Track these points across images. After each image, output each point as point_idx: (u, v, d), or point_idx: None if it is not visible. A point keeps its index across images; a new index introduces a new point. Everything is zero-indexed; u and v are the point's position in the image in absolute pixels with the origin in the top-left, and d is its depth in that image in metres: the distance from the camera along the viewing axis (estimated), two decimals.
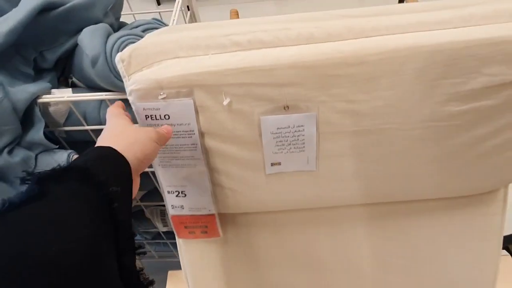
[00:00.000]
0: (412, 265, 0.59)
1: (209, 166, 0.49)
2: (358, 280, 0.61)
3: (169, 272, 0.68)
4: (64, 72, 0.66)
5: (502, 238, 0.57)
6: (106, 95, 0.55)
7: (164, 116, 0.44)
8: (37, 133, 0.55)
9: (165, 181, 0.51)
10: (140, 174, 0.72)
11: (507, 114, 0.44)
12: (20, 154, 0.54)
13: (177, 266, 0.63)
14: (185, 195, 0.52)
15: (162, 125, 0.44)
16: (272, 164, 0.49)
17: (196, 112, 0.44)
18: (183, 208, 0.54)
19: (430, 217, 0.55)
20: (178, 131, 0.45)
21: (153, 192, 0.79)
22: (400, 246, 0.57)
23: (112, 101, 0.57)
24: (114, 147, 0.34)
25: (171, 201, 0.53)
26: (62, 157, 0.56)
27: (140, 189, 0.77)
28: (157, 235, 0.94)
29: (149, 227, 0.88)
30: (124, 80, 0.44)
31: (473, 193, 0.53)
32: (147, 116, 0.44)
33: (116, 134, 0.39)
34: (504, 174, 0.50)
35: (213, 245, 0.59)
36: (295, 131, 0.45)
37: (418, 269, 0.59)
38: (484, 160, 0.48)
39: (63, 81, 0.66)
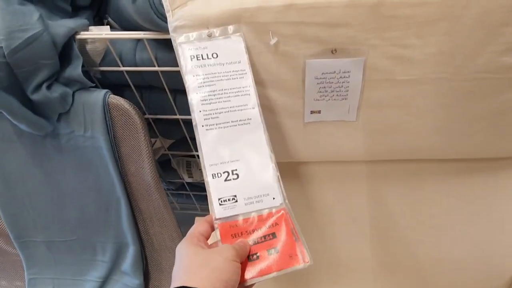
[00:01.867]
0: (447, 226, 0.59)
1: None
2: (391, 237, 0.61)
3: (196, 218, 0.69)
4: (99, 12, 0.65)
5: None
6: (144, 34, 0.54)
7: (212, 54, 0.43)
8: (75, 70, 0.54)
9: (209, 156, 0.41)
10: (170, 122, 0.71)
11: None
12: (58, 90, 0.54)
13: None
14: (238, 176, 0.40)
15: (210, 64, 0.42)
16: (312, 112, 0.48)
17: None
18: (237, 202, 0.42)
19: (472, 178, 0.54)
20: (228, 71, 0.42)
21: (181, 142, 0.79)
22: (437, 206, 0.57)
23: (150, 41, 0.56)
24: (187, 285, 0.31)
25: (217, 192, 0.40)
26: (99, 96, 0.56)
27: (168, 138, 0.78)
28: (181, 186, 0.95)
29: (174, 177, 0.89)
30: (167, 15, 0.43)
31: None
32: (192, 57, 0.43)
33: (187, 267, 0.33)
34: None
35: None
36: (340, 77, 0.44)
37: (449, 228, 0.59)
38: None
39: (98, 22, 0.65)
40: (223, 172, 0.39)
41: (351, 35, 0.41)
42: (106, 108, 0.56)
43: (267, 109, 0.48)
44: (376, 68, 0.43)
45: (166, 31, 0.52)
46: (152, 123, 0.71)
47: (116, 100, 0.56)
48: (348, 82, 0.44)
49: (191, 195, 0.97)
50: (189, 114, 0.48)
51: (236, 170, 0.39)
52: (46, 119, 0.56)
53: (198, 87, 0.42)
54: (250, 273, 0.35)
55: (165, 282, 0.70)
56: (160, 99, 0.67)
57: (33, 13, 0.51)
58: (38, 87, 0.53)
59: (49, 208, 0.68)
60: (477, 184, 0.55)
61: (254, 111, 0.41)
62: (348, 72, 0.43)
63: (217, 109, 0.41)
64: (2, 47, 0.49)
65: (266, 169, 0.39)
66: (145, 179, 0.60)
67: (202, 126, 0.41)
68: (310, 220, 0.61)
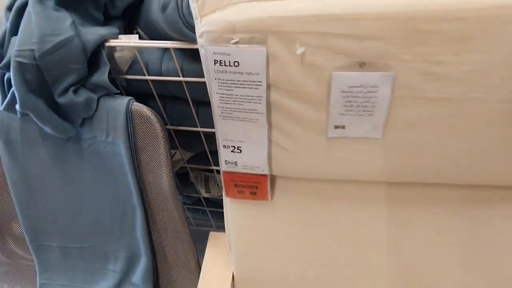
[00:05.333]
0: (472, 261, 0.55)
1: (270, 123, 0.48)
2: (408, 267, 0.57)
3: (211, 233, 0.68)
4: (130, 23, 0.66)
5: None
6: (171, 43, 0.54)
7: (234, 63, 0.43)
8: (102, 76, 0.55)
9: (222, 135, 0.50)
10: (191, 134, 0.71)
11: None
12: (84, 94, 0.55)
13: None
14: (241, 151, 0.51)
15: (230, 72, 0.43)
16: (336, 127, 0.46)
17: (267, 61, 0.42)
18: (236, 165, 0.52)
19: (504, 207, 0.50)
20: (245, 81, 0.44)
21: (201, 156, 0.78)
22: (465, 236, 0.53)
23: (176, 51, 0.56)
24: None
25: (225, 156, 0.52)
26: (122, 103, 0.56)
27: (188, 150, 0.78)
28: (198, 201, 0.94)
29: (191, 191, 0.88)
30: (196, 22, 0.43)
31: None
32: (215, 61, 0.43)
33: None
34: None
35: (261, 208, 0.57)
36: (368, 91, 0.42)
37: (479, 267, 0.54)
38: None
39: (128, 32, 0.66)
40: (231, 146, 0.51)
41: (381, 49, 0.39)
42: (129, 115, 0.56)
43: (292, 120, 0.47)
44: (406, 84, 0.41)
45: (193, 41, 0.53)
46: (173, 134, 0.71)
47: (139, 107, 0.56)
48: (376, 97, 0.43)
49: (207, 211, 0.96)
50: (210, 127, 0.55)
51: (240, 147, 0.51)
52: (70, 123, 0.57)
53: (218, 88, 0.45)
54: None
55: None
56: (182, 111, 0.67)
57: (66, 19, 0.52)
58: (65, 91, 0.54)
59: (66, 213, 0.68)
60: (505, 215, 0.51)
61: (262, 115, 0.47)
62: (375, 87, 0.42)
63: (231, 108, 0.47)
64: (34, 49, 0.51)
65: (261, 153, 0.50)
66: (162, 189, 0.59)
67: (219, 116, 0.49)
68: (324, 241, 0.58)
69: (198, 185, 0.86)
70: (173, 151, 0.75)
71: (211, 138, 0.71)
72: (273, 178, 0.55)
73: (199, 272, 0.63)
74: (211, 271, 0.63)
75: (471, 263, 0.54)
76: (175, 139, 0.72)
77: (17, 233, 0.78)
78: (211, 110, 0.49)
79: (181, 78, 0.58)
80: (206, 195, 0.88)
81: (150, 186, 0.60)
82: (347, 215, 0.56)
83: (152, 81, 0.61)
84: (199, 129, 0.67)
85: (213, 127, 0.51)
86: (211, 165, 0.78)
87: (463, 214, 0.53)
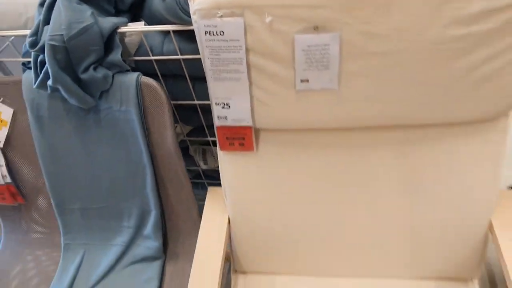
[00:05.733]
0: (415, 188, 0.68)
1: (251, 81, 0.61)
2: (372, 198, 0.70)
3: (209, 188, 0.80)
4: (135, 16, 0.80)
5: (501, 168, 0.64)
6: (171, 26, 0.68)
7: (220, 32, 0.56)
8: (116, 56, 0.69)
9: (214, 94, 0.63)
10: (190, 109, 0.85)
11: (507, 38, 0.52)
12: (102, 71, 0.68)
13: None
14: (229, 107, 0.64)
15: (217, 40, 0.56)
16: (302, 81, 0.60)
17: (245, 30, 0.56)
18: (227, 119, 0.65)
19: (434, 144, 0.64)
20: (229, 46, 0.57)
21: (199, 130, 0.92)
22: (405, 168, 0.66)
23: (175, 34, 0.70)
24: None
25: (217, 112, 0.65)
26: (133, 77, 0.70)
27: (187, 124, 0.91)
28: (197, 176, 1.07)
29: (191, 165, 1.01)
30: (190, 3, 0.57)
31: (476, 119, 0.61)
32: (206, 32, 0.57)
33: None
34: (505, 98, 0.58)
35: (248, 159, 0.70)
36: (322, 49, 0.56)
37: (420, 193, 0.67)
38: (485, 84, 0.56)
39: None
40: (221, 103, 0.64)
41: (329, 15, 0.53)
42: (139, 86, 0.69)
43: (268, 78, 0.60)
44: (350, 42, 0.55)
45: (189, 24, 0.66)
46: (174, 109, 0.85)
47: (146, 79, 0.69)
48: (329, 53, 0.56)
49: (205, 184, 1.08)
50: (206, 101, 0.66)
51: (228, 103, 0.63)
52: (91, 95, 0.70)
53: (209, 54, 0.58)
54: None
55: (181, 243, 0.80)
56: (181, 87, 0.80)
57: (87, 10, 0.66)
58: (87, 68, 0.68)
59: (86, 178, 0.80)
60: (446, 150, 0.64)
61: (243, 74, 0.59)
62: (327, 45, 0.55)
63: (220, 70, 0.59)
64: (63, 34, 0.64)
65: (245, 107, 0.63)
66: (167, 147, 0.72)
67: (211, 78, 0.61)
68: (303, 183, 0.71)
69: (197, 157, 0.99)
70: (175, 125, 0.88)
71: (206, 112, 0.84)
72: (257, 132, 0.68)
73: (200, 220, 0.76)
74: (210, 217, 0.76)
75: (410, 190, 0.67)
76: (175, 113, 0.85)
77: (42, 206, 0.90)
78: (205, 86, 0.63)
79: (179, 56, 0.72)
80: (204, 167, 1.01)
81: (157, 146, 0.73)
82: (319, 159, 0.69)
83: (156, 61, 0.75)
84: (195, 102, 0.81)
85: (208, 100, 0.64)
86: (207, 137, 0.91)
87: (404, 151, 0.66)
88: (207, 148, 0.98)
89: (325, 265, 0.79)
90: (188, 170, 1.05)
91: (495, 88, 0.57)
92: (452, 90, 0.57)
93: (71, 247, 0.87)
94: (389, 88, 0.59)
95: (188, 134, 0.93)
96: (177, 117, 0.86)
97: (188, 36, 0.71)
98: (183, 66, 0.74)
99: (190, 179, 1.08)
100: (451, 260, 0.74)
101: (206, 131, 0.90)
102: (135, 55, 0.75)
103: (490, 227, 0.68)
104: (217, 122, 0.67)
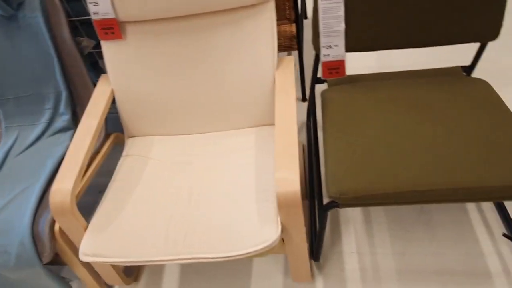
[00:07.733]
0: (222, 58, 1.04)
1: None
2: (208, 68, 1.06)
3: (102, 75, 1.15)
4: None
5: (275, 36, 1.00)
6: None
7: None
8: None
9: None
10: (91, 25, 1.19)
11: None
12: None
13: None
14: (98, 4, 0.98)
15: None
16: None
17: None
18: (98, 14, 1.00)
19: (219, 29, 1.00)
20: None
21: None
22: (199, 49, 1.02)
23: None
24: None
25: (92, 9, 0.99)
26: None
27: (92, 38, 1.25)
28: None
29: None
30: None
31: (245, 4, 0.97)
32: None
33: None
34: None
35: (121, 47, 1.05)
36: None
37: (224, 61, 1.04)
38: None
39: None
40: (93, 2, 0.89)
41: None
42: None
43: None
44: None
45: None
46: (79, 26, 1.19)
47: None
48: None
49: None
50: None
51: (96, 2, 0.89)
52: (10, 5, 1.04)
53: None
54: None
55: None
56: (82, 6, 1.14)
57: None
58: None
59: (15, 73, 1.14)
60: (240, 26, 1.01)
61: None
62: None
63: None
64: None
65: (107, 2, 0.88)
66: (65, 40, 1.07)
67: None
68: (163, 63, 1.06)
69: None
70: (81, 39, 1.22)
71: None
72: (123, 25, 1.03)
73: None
74: (100, 88, 1.10)
75: (205, 69, 1.04)
76: (80, 29, 1.20)
77: None
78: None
79: None
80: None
81: (58, 39, 1.07)
82: (169, 44, 1.05)
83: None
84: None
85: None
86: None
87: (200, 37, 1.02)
88: None
89: (185, 125, 1.14)
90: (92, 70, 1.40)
91: None
92: None
93: (10, 129, 1.20)
94: None
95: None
96: (81, 31, 1.20)
97: None
98: None
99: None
100: (258, 109, 1.09)
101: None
102: None
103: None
104: (94, 17, 1.01)
